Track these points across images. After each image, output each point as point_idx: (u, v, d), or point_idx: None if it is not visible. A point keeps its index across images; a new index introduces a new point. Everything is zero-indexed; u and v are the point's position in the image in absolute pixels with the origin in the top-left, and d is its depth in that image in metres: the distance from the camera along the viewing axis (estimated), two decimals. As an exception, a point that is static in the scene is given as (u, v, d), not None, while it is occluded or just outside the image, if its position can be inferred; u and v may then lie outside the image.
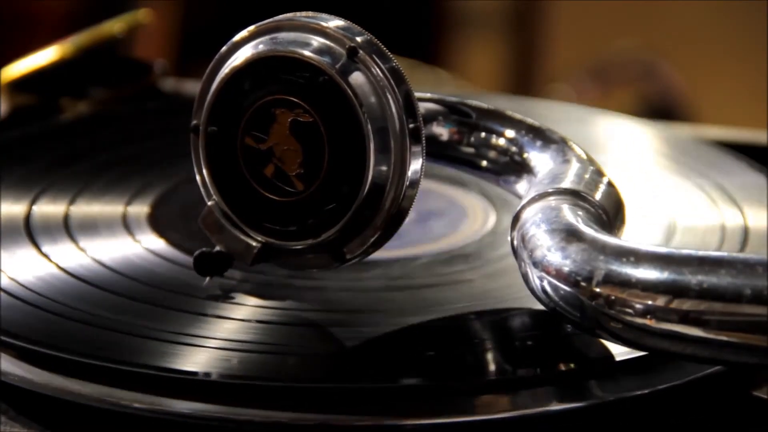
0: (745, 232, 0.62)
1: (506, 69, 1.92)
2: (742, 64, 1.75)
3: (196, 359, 0.51)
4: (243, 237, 0.55)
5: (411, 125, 0.53)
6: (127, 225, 0.63)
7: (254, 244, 0.55)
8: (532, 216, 0.53)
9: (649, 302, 0.48)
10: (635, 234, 0.60)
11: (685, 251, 0.48)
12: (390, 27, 0.85)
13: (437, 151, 0.59)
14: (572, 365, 0.51)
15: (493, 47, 1.92)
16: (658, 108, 1.45)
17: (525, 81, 1.89)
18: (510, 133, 0.59)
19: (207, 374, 0.50)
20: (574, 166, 0.56)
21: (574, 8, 1.89)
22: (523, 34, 1.92)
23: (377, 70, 0.52)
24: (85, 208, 0.65)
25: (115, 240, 0.62)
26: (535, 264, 0.51)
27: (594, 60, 1.61)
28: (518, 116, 0.59)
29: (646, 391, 0.50)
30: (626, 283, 0.48)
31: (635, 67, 1.57)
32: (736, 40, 1.77)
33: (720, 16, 1.79)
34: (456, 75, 1.69)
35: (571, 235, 0.50)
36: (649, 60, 1.57)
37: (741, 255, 0.47)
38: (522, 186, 0.58)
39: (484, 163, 0.60)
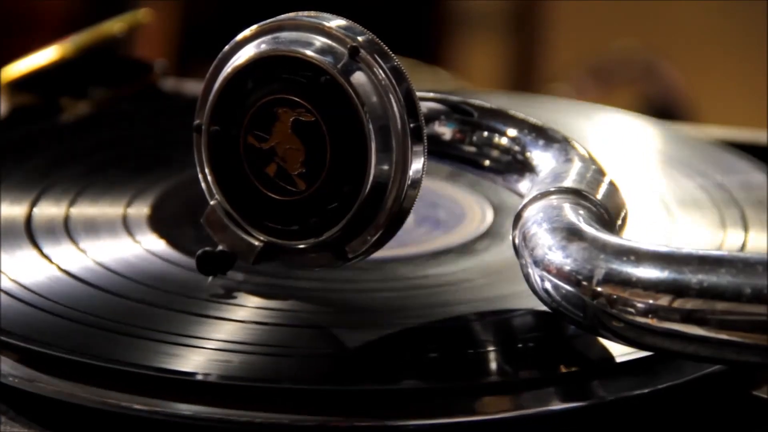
0: (746, 231, 0.62)
1: (506, 69, 1.92)
2: (742, 64, 1.75)
3: (196, 360, 0.51)
4: (245, 236, 0.55)
5: (412, 124, 0.53)
6: (127, 226, 0.63)
7: (257, 243, 0.55)
8: (533, 215, 0.53)
9: (650, 301, 0.48)
10: (636, 233, 0.60)
11: (685, 250, 0.48)
12: (390, 27, 0.85)
13: (439, 150, 0.59)
14: (573, 365, 0.51)
15: (493, 47, 1.92)
16: (659, 108, 1.45)
17: (525, 81, 1.89)
18: (512, 132, 0.59)
19: (207, 375, 0.50)
20: (576, 166, 0.56)
21: (574, 8, 1.89)
22: (523, 34, 1.92)
23: (379, 69, 0.52)
24: (86, 209, 0.65)
25: (116, 241, 0.62)
26: (537, 263, 0.51)
27: (594, 60, 1.61)
28: (521, 115, 0.59)
29: (646, 391, 0.50)
30: (627, 282, 0.48)
31: (635, 67, 1.57)
32: (736, 40, 1.77)
33: (720, 16, 1.79)
34: (456, 75, 1.69)
35: (572, 234, 0.51)
36: (649, 60, 1.57)
37: (741, 254, 0.47)
38: (524, 185, 0.58)
39: (487, 162, 0.60)
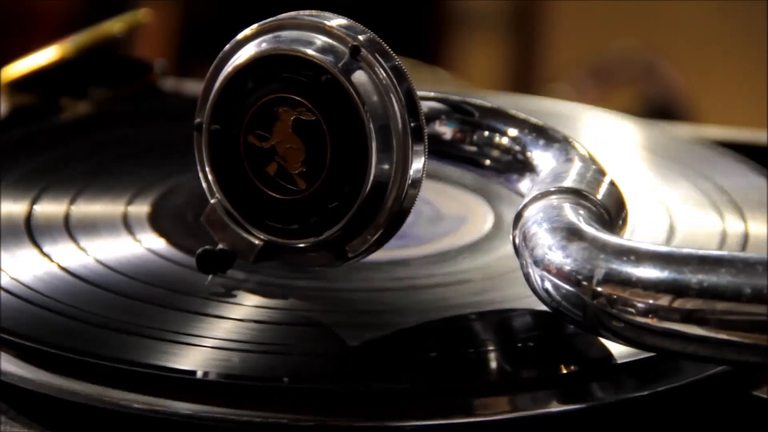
0: (746, 232, 0.62)
1: (506, 69, 1.92)
2: (742, 64, 1.75)
3: (196, 359, 0.51)
4: (246, 235, 0.55)
5: (413, 124, 0.53)
6: (127, 224, 0.63)
7: (257, 242, 0.55)
8: (533, 215, 0.53)
9: (650, 301, 0.48)
10: (635, 234, 0.60)
11: (685, 250, 0.48)
12: (390, 26, 0.85)
13: (440, 150, 0.59)
14: (573, 366, 0.51)
15: (493, 47, 1.92)
16: (658, 108, 1.45)
17: (525, 81, 1.89)
18: (513, 131, 0.59)
19: (207, 374, 0.50)
20: (577, 165, 0.56)
21: (574, 8, 1.89)
22: (523, 34, 1.92)
23: (380, 68, 0.53)
24: (86, 208, 0.65)
25: (116, 239, 0.62)
26: (537, 263, 0.51)
27: (594, 60, 1.61)
28: (521, 115, 0.59)
29: (646, 393, 0.50)
30: (627, 282, 0.48)
31: (635, 67, 1.57)
32: (736, 40, 1.77)
33: (720, 16, 1.79)
34: (456, 75, 1.70)
35: (572, 233, 0.51)
36: (649, 60, 1.57)
37: (741, 254, 0.47)
38: (524, 184, 0.58)
39: (487, 161, 0.60)
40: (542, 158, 0.58)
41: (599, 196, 0.54)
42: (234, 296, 0.56)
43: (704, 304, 0.47)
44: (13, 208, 0.64)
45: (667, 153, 0.74)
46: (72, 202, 0.65)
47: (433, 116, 0.59)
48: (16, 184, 0.67)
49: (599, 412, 0.50)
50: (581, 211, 0.52)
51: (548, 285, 0.50)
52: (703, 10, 1.80)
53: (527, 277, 0.52)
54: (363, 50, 0.52)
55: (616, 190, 0.56)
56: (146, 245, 0.61)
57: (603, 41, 1.69)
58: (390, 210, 0.53)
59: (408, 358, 0.52)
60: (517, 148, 0.59)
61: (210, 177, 0.55)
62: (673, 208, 0.65)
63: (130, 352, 0.51)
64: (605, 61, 1.60)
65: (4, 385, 0.51)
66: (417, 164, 0.53)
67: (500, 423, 0.49)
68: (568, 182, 0.54)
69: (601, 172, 0.56)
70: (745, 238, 0.62)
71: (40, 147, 0.73)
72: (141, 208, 0.65)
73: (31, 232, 0.62)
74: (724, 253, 0.47)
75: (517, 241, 0.53)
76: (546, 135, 0.59)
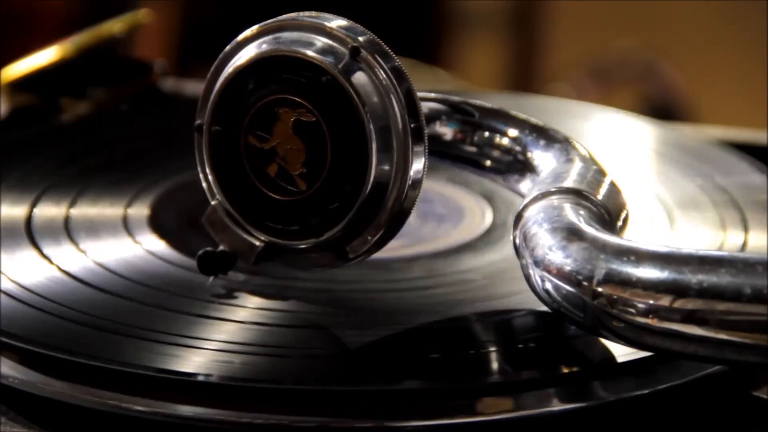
0: (746, 232, 0.62)
1: (506, 69, 1.92)
2: (742, 64, 1.75)
3: (197, 361, 0.51)
4: (246, 236, 0.55)
5: (413, 124, 0.53)
6: (127, 226, 0.63)
7: (257, 243, 0.55)
8: (534, 215, 0.53)
9: (650, 301, 0.48)
10: (635, 234, 0.60)
11: (685, 250, 0.48)
12: (390, 27, 0.85)
13: (440, 150, 0.59)
14: (574, 366, 0.51)
15: (493, 47, 1.92)
16: (659, 108, 1.45)
17: (525, 81, 1.89)
18: (513, 132, 0.59)
19: (208, 376, 0.50)
20: (577, 166, 0.56)
21: (574, 8, 1.89)
22: (523, 34, 1.92)
23: (380, 69, 0.53)
24: (86, 210, 0.65)
25: (116, 242, 0.62)
26: (537, 263, 0.51)
27: (594, 60, 1.61)
28: (522, 115, 0.59)
29: (647, 392, 0.50)
30: (627, 282, 0.48)
31: (635, 67, 1.57)
32: (736, 40, 1.77)
33: (720, 16, 1.79)
34: (456, 75, 1.70)
35: (572, 234, 0.51)
36: (649, 60, 1.57)
37: (741, 254, 0.47)
38: (525, 185, 0.58)
39: (488, 162, 0.60)
40: (543, 158, 0.58)
41: (600, 197, 0.54)
42: (235, 298, 0.56)
43: (704, 304, 0.47)
44: (13, 209, 0.64)
45: (667, 152, 0.74)
46: (72, 203, 0.65)
47: (433, 117, 0.59)
48: (16, 185, 0.67)
49: (600, 411, 0.50)
50: (582, 212, 0.52)
51: (549, 285, 0.51)
52: (703, 10, 1.80)
53: (527, 277, 0.52)
54: (363, 51, 0.52)
55: (616, 190, 0.56)
56: (146, 247, 0.61)
57: (603, 41, 1.69)
58: (390, 210, 0.53)
59: (409, 358, 0.52)
60: (518, 148, 0.59)
61: (210, 178, 0.55)
62: (673, 207, 0.65)
63: (131, 355, 0.51)
64: (605, 61, 1.60)
65: (5, 388, 0.51)
66: (417, 165, 0.53)
67: (502, 422, 0.49)
68: (569, 182, 0.54)
69: (601, 173, 0.56)
70: (745, 238, 0.62)
71: (40, 147, 0.73)
72: (141, 210, 0.65)
73: (31, 234, 0.62)
74: (724, 253, 0.47)
75: (517, 241, 0.53)
76: (546, 135, 0.59)
